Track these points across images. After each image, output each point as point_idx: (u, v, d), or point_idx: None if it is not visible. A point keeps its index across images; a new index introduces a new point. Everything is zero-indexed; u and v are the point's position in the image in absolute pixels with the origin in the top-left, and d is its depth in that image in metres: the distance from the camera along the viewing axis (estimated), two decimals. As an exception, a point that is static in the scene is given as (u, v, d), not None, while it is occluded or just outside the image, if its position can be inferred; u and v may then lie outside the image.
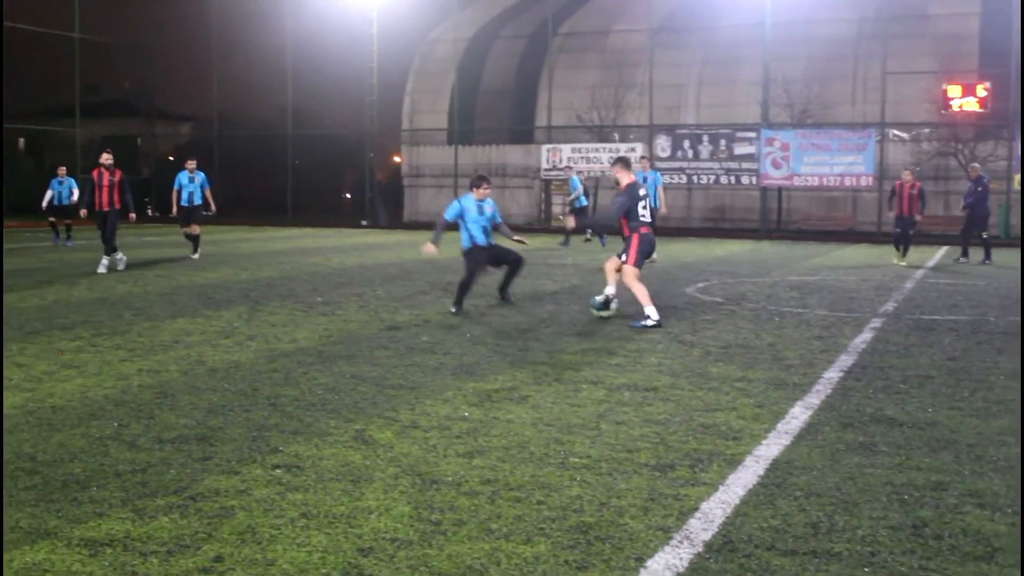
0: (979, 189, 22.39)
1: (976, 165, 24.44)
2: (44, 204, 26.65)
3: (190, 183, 21.20)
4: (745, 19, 37.32)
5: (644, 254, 11.92)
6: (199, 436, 6.15)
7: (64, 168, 27.38)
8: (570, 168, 31.38)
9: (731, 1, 38.01)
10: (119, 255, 17.86)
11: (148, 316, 11.73)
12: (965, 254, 22.59)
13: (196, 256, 20.94)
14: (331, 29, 44.43)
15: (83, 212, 18.04)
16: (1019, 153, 32.51)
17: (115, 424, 6.44)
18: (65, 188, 26.58)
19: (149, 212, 44.93)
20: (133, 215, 18.38)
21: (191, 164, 21.50)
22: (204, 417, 6.65)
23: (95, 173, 17.72)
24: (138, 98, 51.72)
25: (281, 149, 45.26)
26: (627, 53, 40.81)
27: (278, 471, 5.44)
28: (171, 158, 52.24)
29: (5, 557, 4.18)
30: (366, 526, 4.60)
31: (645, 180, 20.04)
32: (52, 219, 26.74)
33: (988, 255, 22.22)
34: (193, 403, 7.08)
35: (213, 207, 21.83)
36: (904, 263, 21.19)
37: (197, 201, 21.21)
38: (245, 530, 4.52)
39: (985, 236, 22.51)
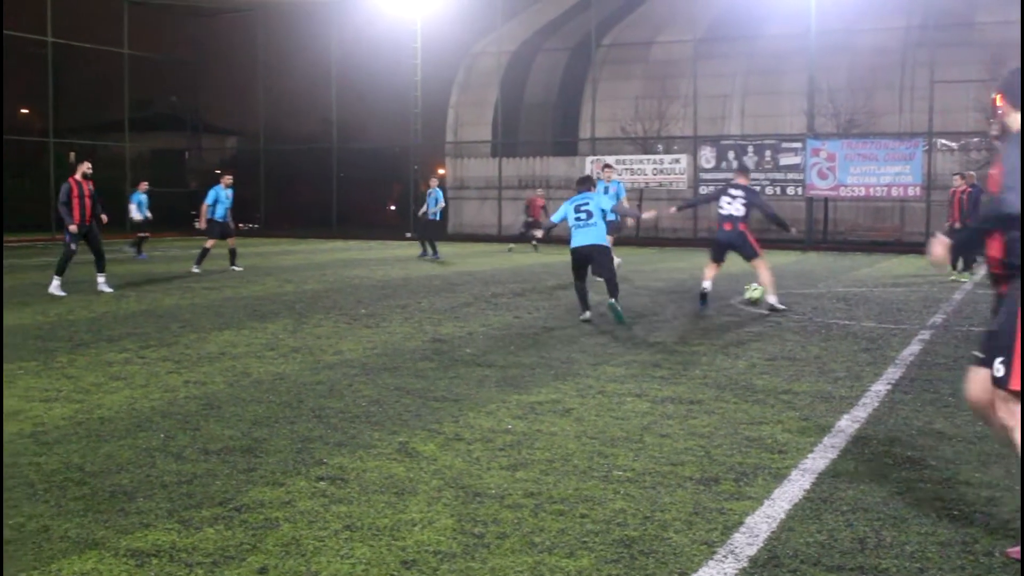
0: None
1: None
2: (137, 218, 26.78)
3: (227, 199, 21.33)
4: (789, 29, 37.10)
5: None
6: (244, 448, 6.19)
7: (146, 183, 27.46)
8: (434, 180, 29.42)
9: (775, 11, 37.80)
10: (58, 282, 16.05)
11: (195, 328, 11.84)
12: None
13: (239, 268, 21.19)
14: (376, 43, 44.76)
15: (73, 228, 16.00)
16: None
17: (161, 435, 6.50)
18: (137, 201, 26.67)
19: (197, 225, 45.41)
20: (106, 217, 16.98)
21: (229, 179, 21.66)
22: (249, 429, 6.70)
23: (73, 182, 16.00)
24: (185, 112, 52.37)
25: (326, 162, 45.58)
26: (671, 64, 40.74)
27: (322, 483, 5.46)
28: (217, 171, 52.81)
29: (54, 566, 4.23)
30: (409, 538, 4.60)
31: (607, 190, 18.65)
32: (140, 234, 26.91)
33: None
34: (238, 415, 7.13)
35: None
36: (966, 278, 20.11)
37: (228, 216, 21.40)
38: (289, 542, 4.54)
39: None
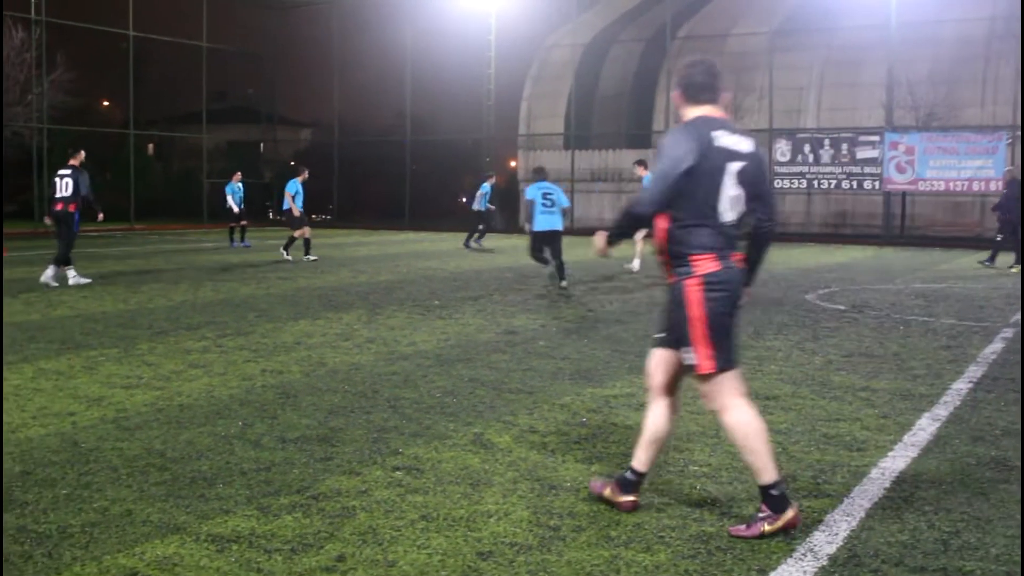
0: (1007, 192, 22.29)
1: (1011, 168, 24.06)
2: (235, 209, 27.56)
3: (303, 191, 22.22)
4: (869, 20, 36.45)
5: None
6: (321, 436, 6.25)
7: (240, 173, 28.18)
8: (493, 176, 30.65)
9: (854, 2, 37.18)
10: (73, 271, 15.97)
11: (271, 318, 11.99)
12: (1018, 261, 22.12)
13: (314, 258, 21.50)
14: (450, 36, 44.92)
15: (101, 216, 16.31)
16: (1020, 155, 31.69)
17: (240, 423, 6.59)
18: (231, 192, 27.41)
19: (271, 215, 45.98)
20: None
21: (306, 174, 22.60)
22: (325, 418, 6.76)
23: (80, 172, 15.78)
24: (261, 104, 53.01)
25: (399, 154, 45.81)
26: (746, 56, 40.25)
27: (398, 473, 5.49)
28: (292, 163, 53.38)
29: (138, 549, 4.31)
30: (485, 530, 4.61)
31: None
32: (232, 224, 27.77)
33: (992, 258, 22.11)
34: (315, 404, 7.20)
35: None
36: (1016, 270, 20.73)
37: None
38: (366, 531, 4.58)
39: (999, 239, 22.24)
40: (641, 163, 20.67)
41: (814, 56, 39.49)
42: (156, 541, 4.41)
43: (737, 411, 4.69)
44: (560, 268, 15.68)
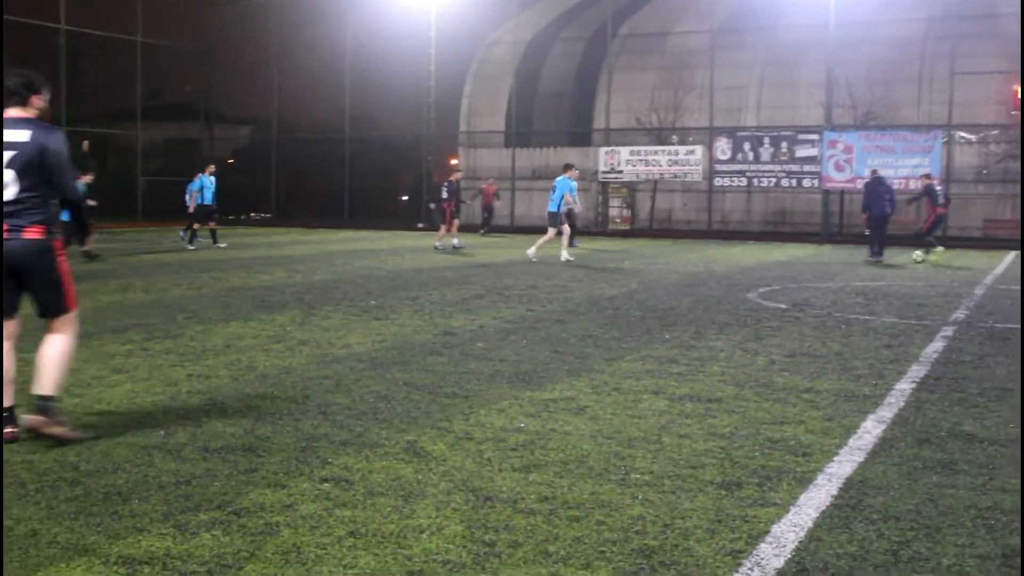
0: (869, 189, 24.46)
1: (874, 168, 26.65)
2: (190, 207, 26.29)
3: (212, 185, 25.34)
4: (808, 19, 36.73)
5: None
6: (246, 446, 5.95)
7: (213, 166, 27.01)
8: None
9: (794, 2, 37.40)
10: None
11: (201, 319, 11.61)
12: (877, 253, 23.66)
13: (224, 245, 25.06)
14: (390, 32, 44.48)
15: None
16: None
17: (161, 432, 6.27)
18: (200, 186, 26.50)
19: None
20: None
21: (212, 168, 26.15)
22: (252, 426, 6.46)
23: None
24: (198, 102, 52.17)
25: (338, 151, 45.35)
26: (687, 55, 40.39)
27: (326, 485, 5.22)
28: (230, 160, 52.58)
29: (40, 574, 4.00)
30: (416, 546, 4.35)
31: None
32: (197, 223, 26.19)
33: (877, 252, 23.57)
34: (242, 411, 6.89)
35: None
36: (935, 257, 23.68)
37: (213, 201, 25.74)
38: (290, 549, 4.30)
39: (867, 232, 24.21)
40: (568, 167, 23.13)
41: (755, 55, 39.70)
42: (61, 565, 4.10)
43: None
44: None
